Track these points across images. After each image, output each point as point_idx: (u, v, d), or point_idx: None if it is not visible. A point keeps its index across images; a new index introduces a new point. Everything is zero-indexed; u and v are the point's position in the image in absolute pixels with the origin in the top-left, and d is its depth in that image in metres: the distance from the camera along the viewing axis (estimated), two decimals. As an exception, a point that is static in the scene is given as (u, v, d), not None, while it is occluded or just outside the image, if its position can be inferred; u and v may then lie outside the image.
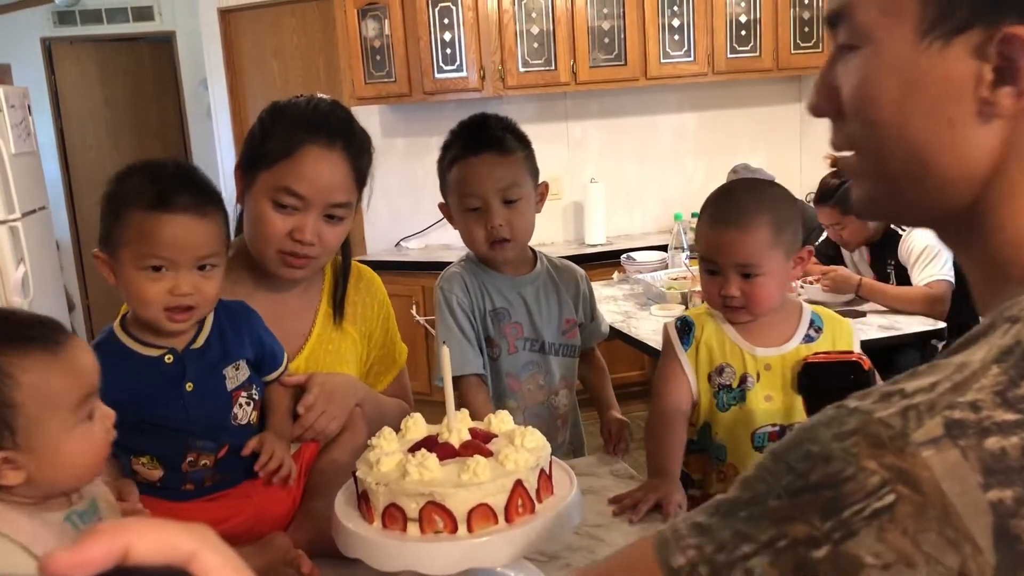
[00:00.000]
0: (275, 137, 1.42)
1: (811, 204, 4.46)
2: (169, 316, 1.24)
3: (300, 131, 1.41)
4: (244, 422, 1.34)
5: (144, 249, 1.21)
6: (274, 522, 1.34)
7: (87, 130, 6.85)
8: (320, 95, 1.52)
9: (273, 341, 1.39)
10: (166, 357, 1.27)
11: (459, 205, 1.73)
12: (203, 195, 1.25)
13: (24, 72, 5.81)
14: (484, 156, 1.68)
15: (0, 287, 4.19)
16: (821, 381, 1.47)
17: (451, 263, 1.85)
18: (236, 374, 1.32)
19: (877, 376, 1.46)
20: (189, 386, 1.28)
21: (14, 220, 4.23)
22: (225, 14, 5.46)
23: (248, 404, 1.34)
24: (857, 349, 1.61)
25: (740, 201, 1.55)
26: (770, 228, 1.50)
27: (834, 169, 3.26)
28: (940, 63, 0.61)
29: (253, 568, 0.41)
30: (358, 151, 1.46)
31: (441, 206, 1.81)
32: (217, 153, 5.71)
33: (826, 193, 3.24)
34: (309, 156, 1.40)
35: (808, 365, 1.49)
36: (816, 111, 0.71)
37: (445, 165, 1.75)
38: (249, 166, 1.45)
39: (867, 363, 1.43)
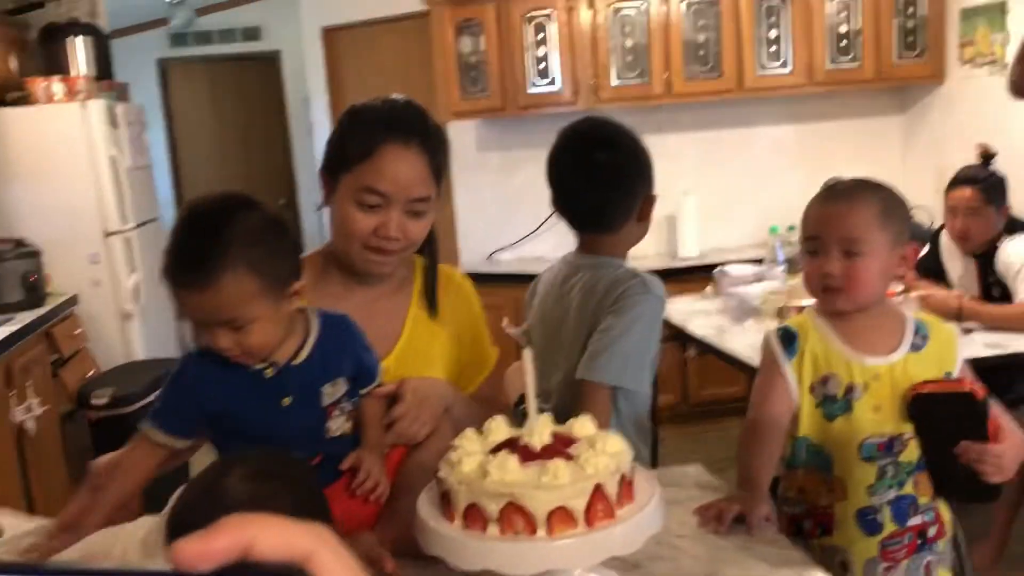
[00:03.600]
0: (354, 140, 1.46)
1: (913, 218, 4.33)
2: (230, 358, 1.26)
3: (377, 131, 1.45)
4: (338, 434, 1.36)
5: (179, 310, 1.24)
6: (360, 521, 1.37)
7: (198, 145, 7.16)
8: (395, 95, 1.55)
9: (371, 357, 1.41)
10: (266, 371, 1.29)
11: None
12: (209, 263, 1.18)
13: (141, 90, 6.11)
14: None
15: (114, 294, 4.40)
16: (932, 411, 1.43)
17: (626, 267, 1.83)
18: (333, 391, 1.34)
19: (992, 405, 1.41)
20: (286, 401, 1.30)
21: (128, 231, 4.43)
22: (328, 32, 5.63)
23: (341, 416, 1.36)
24: (961, 357, 1.57)
25: (851, 184, 1.59)
26: (878, 208, 1.51)
27: (980, 162, 3.13)
28: None
29: None
30: (434, 145, 1.48)
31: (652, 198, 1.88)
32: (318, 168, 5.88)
33: (973, 176, 3.08)
34: (388, 154, 1.43)
35: (919, 396, 1.45)
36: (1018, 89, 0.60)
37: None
38: (332, 170, 1.50)
39: (980, 392, 1.39)
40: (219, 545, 0.36)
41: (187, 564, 0.36)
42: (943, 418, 1.42)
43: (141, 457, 1.34)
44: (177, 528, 1.05)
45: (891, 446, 1.54)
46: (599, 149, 1.82)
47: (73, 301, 4.21)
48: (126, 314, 4.43)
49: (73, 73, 4.68)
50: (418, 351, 1.57)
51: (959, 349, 1.58)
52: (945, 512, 1.63)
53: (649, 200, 1.85)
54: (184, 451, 1.43)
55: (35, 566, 0.37)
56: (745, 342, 2.93)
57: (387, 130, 1.45)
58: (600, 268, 1.82)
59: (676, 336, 3.48)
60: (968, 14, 4.36)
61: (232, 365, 1.28)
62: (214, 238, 1.20)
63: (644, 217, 1.86)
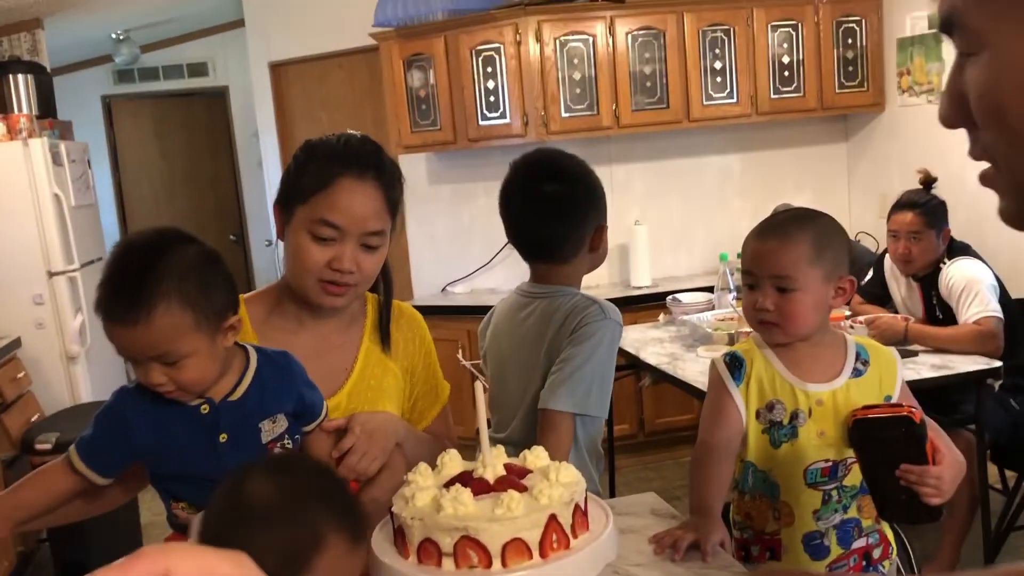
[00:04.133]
0: (309, 173, 1.47)
1: (859, 243, 4.42)
2: (164, 394, 1.24)
3: (333, 165, 1.46)
4: None
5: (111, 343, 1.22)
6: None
7: (143, 182, 7.07)
8: (350, 131, 1.56)
9: (313, 394, 1.39)
10: (202, 407, 1.27)
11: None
12: (141, 298, 1.17)
13: (85, 128, 6.04)
14: None
15: (59, 336, 4.30)
16: (873, 435, 1.45)
17: (580, 295, 1.84)
18: (273, 427, 1.31)
19: (929, 427, 1.43)
20: (223, 437, 1.27)
21: (73, 271, 4.35)
22: (275, 68, 5.62)
23: None
24: (900, 380, 1.59)
25: (786, 218, 1.61)
26: (810, 245, 1.53)
27: (921, 187, 3.20)
28: None
29: None
30: (389, 181, 1.50)
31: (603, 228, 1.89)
32: (268, 201, 5.84)
33: (914, 200, 3.15)
34: (343, 187, 1.44)
35: (859, 421, 1.47)
36: (947, 122, 0.65)
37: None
38: (286, 202, 1.50)
39: (918, 415, 1.41)
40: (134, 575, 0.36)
41: None
42: (883, 442, 1.44)
43: (57, 475, 1.31)
44: (212, 541, 1.02)
45: (835, 471, 1.56)
46: (548, 181, 1.83)
47: (16, 344, 4.10)
48: (72, 356, 4.33)
49: (15, 111, 4.61)
50: (370, 385, 1.56)
51: (899, 372, 1.61)
52: (889, 533, 1.65)
53: (600, 230, 1.86)
54: (106, 494, 1.39)
55: None
56: (698, 369, 2.96)
57: (343, 164, 1.46)
58: (555, 297, 1.83)
59: (630, 365, 3.50)
60: (904, 44, 4.50)
61: (166, 401, 1.25)
62: (146, 272, 1.18)
63: (596, 247, 1.87)
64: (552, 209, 1.81)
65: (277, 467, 1.05)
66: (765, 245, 1.56)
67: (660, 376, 3.19)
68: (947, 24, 0.62)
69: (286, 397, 1.33)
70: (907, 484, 1.39)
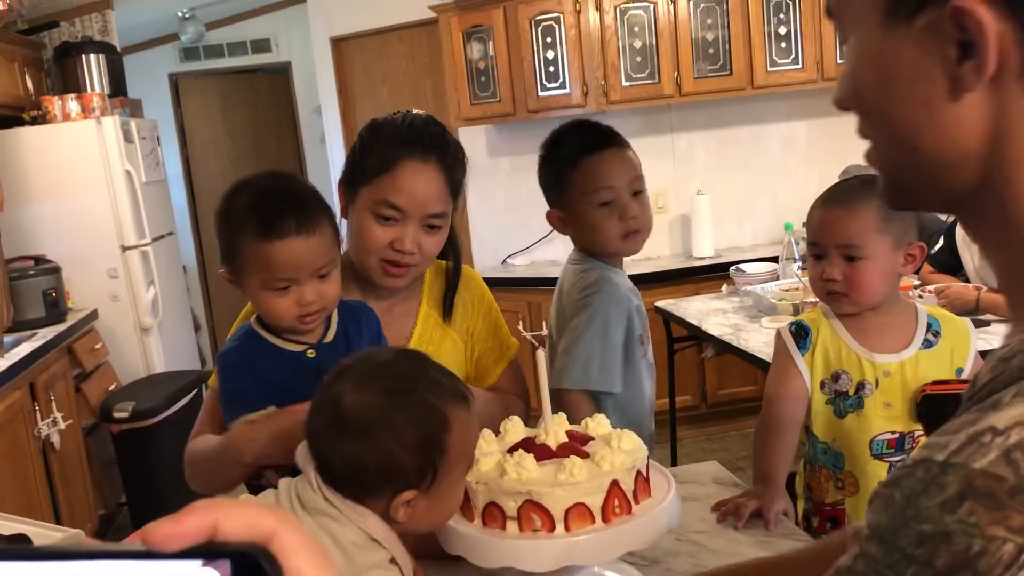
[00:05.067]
0: (374, 154, 1.49)
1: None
2: (301, 322, 1.32)
3: (397, 146, 1.48)
4: None
5: (265, 274, 1.28)
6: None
7: (211, 158, 7.20)
8: (415, 111, 1.58)
9: (386, 342, 1.46)
10: (308, 352, 1.35)
11: (587, 202, 1.70)
12: (308, 211, 1.29)
13: (153, 106, 6.17)
14: (610, 151, 1.70)
15: (133, 308, 4.44)
16: (942, 412, 1.43)
17: (585, 266, 1.76)
18: None
19: None
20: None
21: (145, 245, 4.47)
22: (337, 43, 5.67)
23: None
24: (974, 351, 1.56)
25: (851, 186, 1.58)
26: (877, 212, 1.50)
27: None
28: (906, 46, 0.60)
29: None
30: (452, 163, 1.52)
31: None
32: (332, 176, 5.92)
33: None
34: (406, 170, 1.47)
35: (928, 396, 1.45)
36: (837, 104, 0.70)
37: (562, 168, 1.73)
38: (351, 182, 1.53)
39: None
40: (187, 528, 0.38)
41: (157, 545, 0.38)
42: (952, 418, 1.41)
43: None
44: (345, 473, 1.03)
45: (902, 443, 1.54)
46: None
47: (93, 316, 4.25)
48: (145, 328, 4.47)
49: (88, 90, 4.74)
50: (428, 351, 1.58)
51: (972, 344, 1.58)
52: None
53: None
54: None
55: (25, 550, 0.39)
56: (762, 340, 2.93)
57: (407, 146, 1.48)
58: (569, 269, 1.79)
59: (692, 336, 3.48)
60: (978, 5, 4.35)
61: (275, 352, 1.34)
62: (301, 195, 1.31)
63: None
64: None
65: (363, 375, 1.05)
66: (831, 214, 1.53)
67: (723, 347, 3.17)
68: (829, 11, 0.68)
69: (367, 338, 1.41)
70: None
